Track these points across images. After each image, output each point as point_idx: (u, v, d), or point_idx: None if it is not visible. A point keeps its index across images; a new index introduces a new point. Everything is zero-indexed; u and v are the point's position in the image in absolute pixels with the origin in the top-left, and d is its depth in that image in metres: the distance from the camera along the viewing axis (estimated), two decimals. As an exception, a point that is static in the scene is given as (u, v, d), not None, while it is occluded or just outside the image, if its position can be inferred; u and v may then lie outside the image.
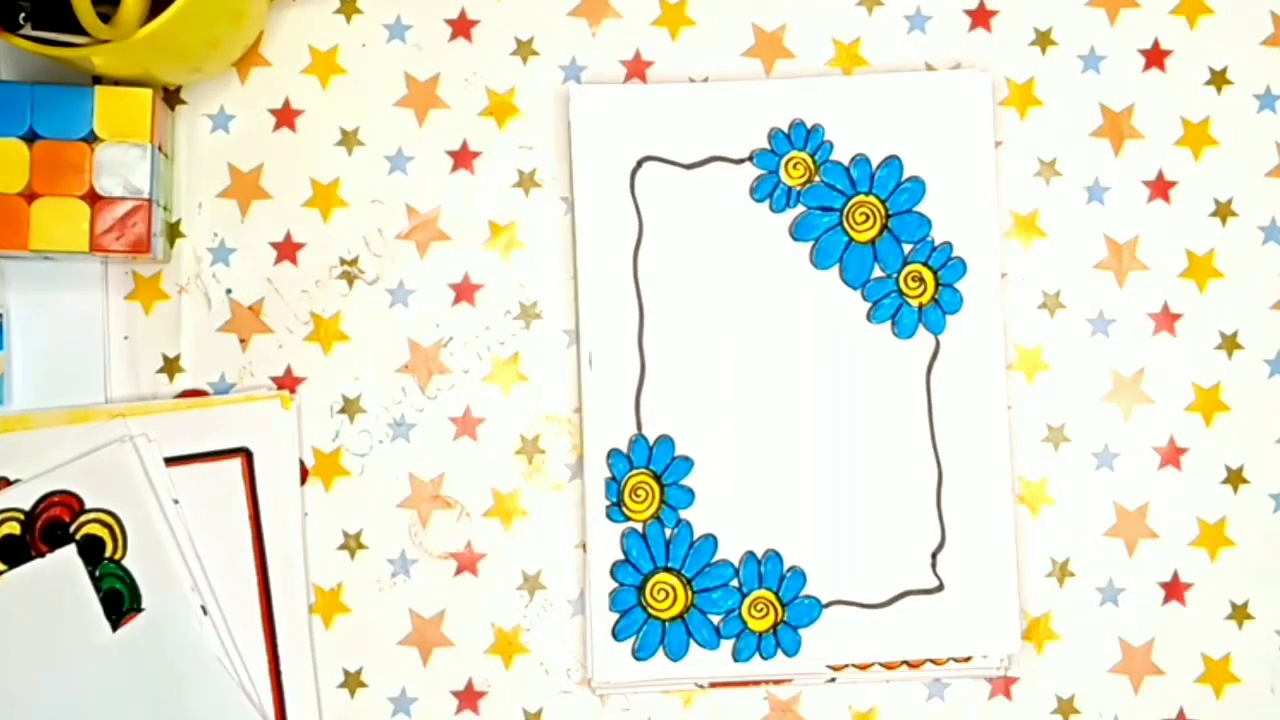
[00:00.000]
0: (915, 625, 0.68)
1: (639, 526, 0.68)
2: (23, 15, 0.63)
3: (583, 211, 0.69)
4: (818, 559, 0.68)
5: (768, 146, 0.69)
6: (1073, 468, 0.70)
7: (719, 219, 0.69)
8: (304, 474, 0.69)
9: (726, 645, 0.68)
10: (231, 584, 0.67)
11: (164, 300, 0.70)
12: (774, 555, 0.68)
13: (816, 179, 0.69)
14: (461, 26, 0.71)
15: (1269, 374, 0.70)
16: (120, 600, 0.66)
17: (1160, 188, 0.71)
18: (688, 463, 0.68)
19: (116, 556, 0.66)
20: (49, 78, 0.67)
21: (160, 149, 0.67)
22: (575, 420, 0.69)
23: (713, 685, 0.68)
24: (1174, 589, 0.69)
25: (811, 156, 0.70)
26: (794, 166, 0.69)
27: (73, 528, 0.66)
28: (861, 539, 0.68)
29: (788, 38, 0.71)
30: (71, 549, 0.66)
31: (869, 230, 0.69)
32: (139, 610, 0.66)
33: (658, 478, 0.68)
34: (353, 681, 0.68)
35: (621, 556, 0.68)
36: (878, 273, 0.69)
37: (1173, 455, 0.70)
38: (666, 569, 0.68)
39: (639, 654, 0.67)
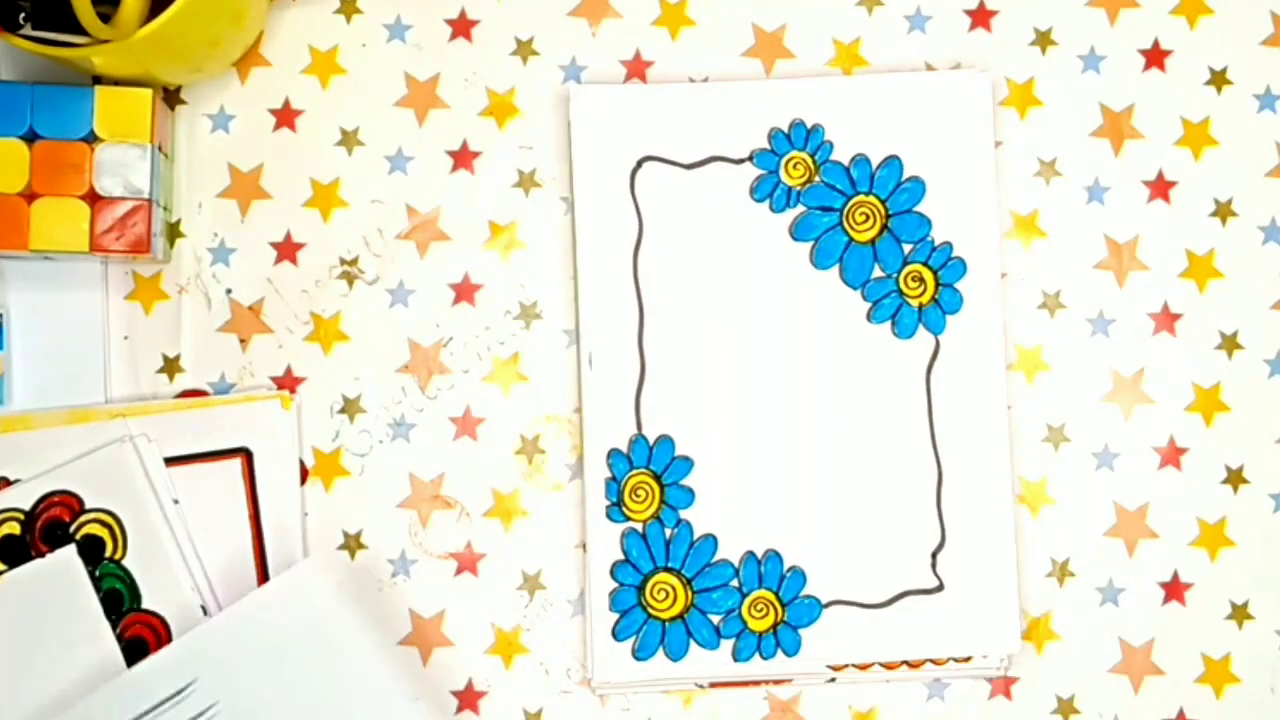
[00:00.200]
0: (915, 625, 0.67)
1: (639, 526, 0.68)
2: (23, 15, 0.63)
3: (583, 211, 0.69)
4: (818, 559, 0.68)
5: (768, 146, 0.69)
6: (1073, 468, 0.69)
7: (719, 219, 0.69)
8: (304, 474, 0.69)
9: (726, 645, 0.68)
10: (231, 584, 0.67)
11: (164, 300, 0.70)
12: (774, 555, 0.68)
13: (816, 179, 0.69)
14: (461, 26, 0.71)
15: (1269, 374, 0.70)
16: (120, 600, 0.66)
17: (1160, 188, 0.71)
18: (688, 463, 0.68)
19: (116, 556, 0.66)
20: (49, 78, 0.67)
21: (160, 149, 0.67)
22: (575, 420, 0.69)
23: (713, 685, 0.68)
24: (1174, 589, 0.69)
25: (811, 156, 0.70)
26: (794, 166, 0.69)
27: (73, 528, 0.66)
28: (861, 539, 0.68)
29: (788, 38, 0.71)
30: (71, 549, 0.66)
31: (869, 230, 0.69)
32: (139, 610, 0.66)
33: (658, 478, 0.68)
34: (353, 681, 0.68)
35: (621, 556, 0.68)
36: (878, 273, 0.69)
37: (1173, 455, 0.70)
38: (666, 569, 0.68)
39: (639, 654, 0.67)
